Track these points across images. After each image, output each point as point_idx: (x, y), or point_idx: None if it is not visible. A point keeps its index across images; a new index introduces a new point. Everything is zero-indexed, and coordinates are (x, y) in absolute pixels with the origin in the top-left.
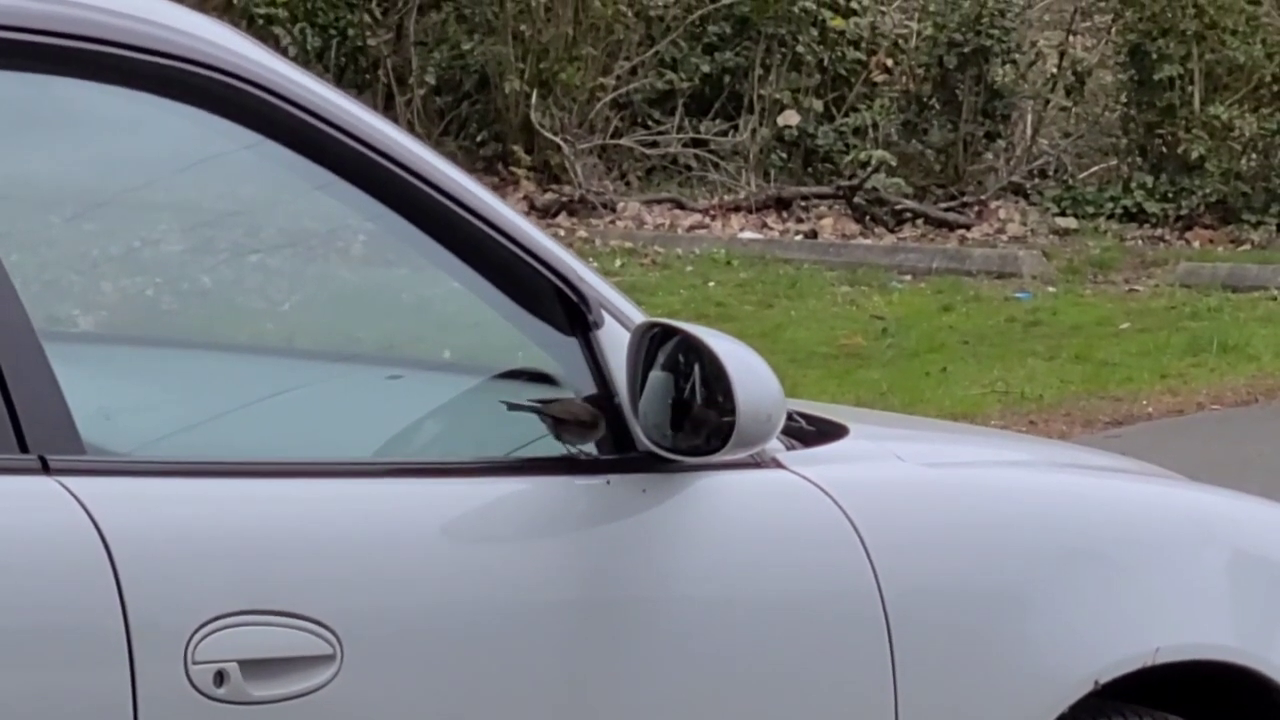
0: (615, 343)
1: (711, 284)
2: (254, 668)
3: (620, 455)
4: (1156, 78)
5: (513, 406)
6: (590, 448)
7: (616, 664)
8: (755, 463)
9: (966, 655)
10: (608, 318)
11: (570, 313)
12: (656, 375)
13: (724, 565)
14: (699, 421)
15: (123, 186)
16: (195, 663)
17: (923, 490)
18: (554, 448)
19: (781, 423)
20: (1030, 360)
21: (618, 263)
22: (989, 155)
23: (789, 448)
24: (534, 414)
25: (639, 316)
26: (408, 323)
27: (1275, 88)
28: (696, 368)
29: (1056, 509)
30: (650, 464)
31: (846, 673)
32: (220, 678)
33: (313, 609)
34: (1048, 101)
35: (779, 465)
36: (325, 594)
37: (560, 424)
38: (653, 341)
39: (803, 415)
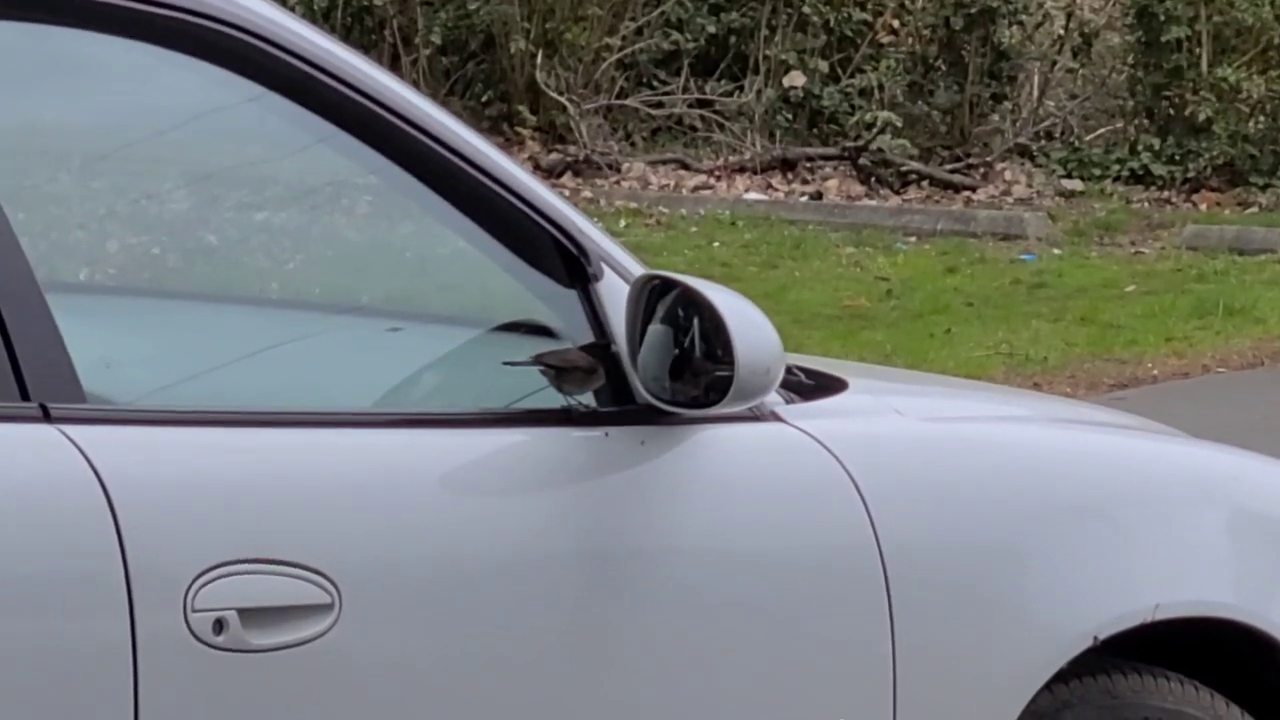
0: (615, 295)
1: (716, 245)
2: (253, 616)
3: (619, 407)
4: (1164, 39)
5: (511, 364)
6: (589, 398)
7: (614, 615)
8: (754, 416)
9: (964, 609)
10: (607, 270)
11: (570, 265)
12: (656, 328)
13: (722, 518)
14: (698, 374)
15: (127, 140)
16: (194, 610)
17: (921, 444)
18: (553, 399)
19: (780, 376)
20: (1035, 322)
21: (622, 223)
22: (995, 117)
23: (788, 401)
24: (534, 368)
25: (638, 269)
26: (409, 276)
27: None
28: (695, 321)
29: (1056, 464)
30: (649, 416)
31: (844, 625)
32: (219, 625)
33: (311, 558)
34: (1054, 63)
35: (777, 418)
36: (324, 543)
37: (561, 374)
38: (652, 294)
39: (801, 369)
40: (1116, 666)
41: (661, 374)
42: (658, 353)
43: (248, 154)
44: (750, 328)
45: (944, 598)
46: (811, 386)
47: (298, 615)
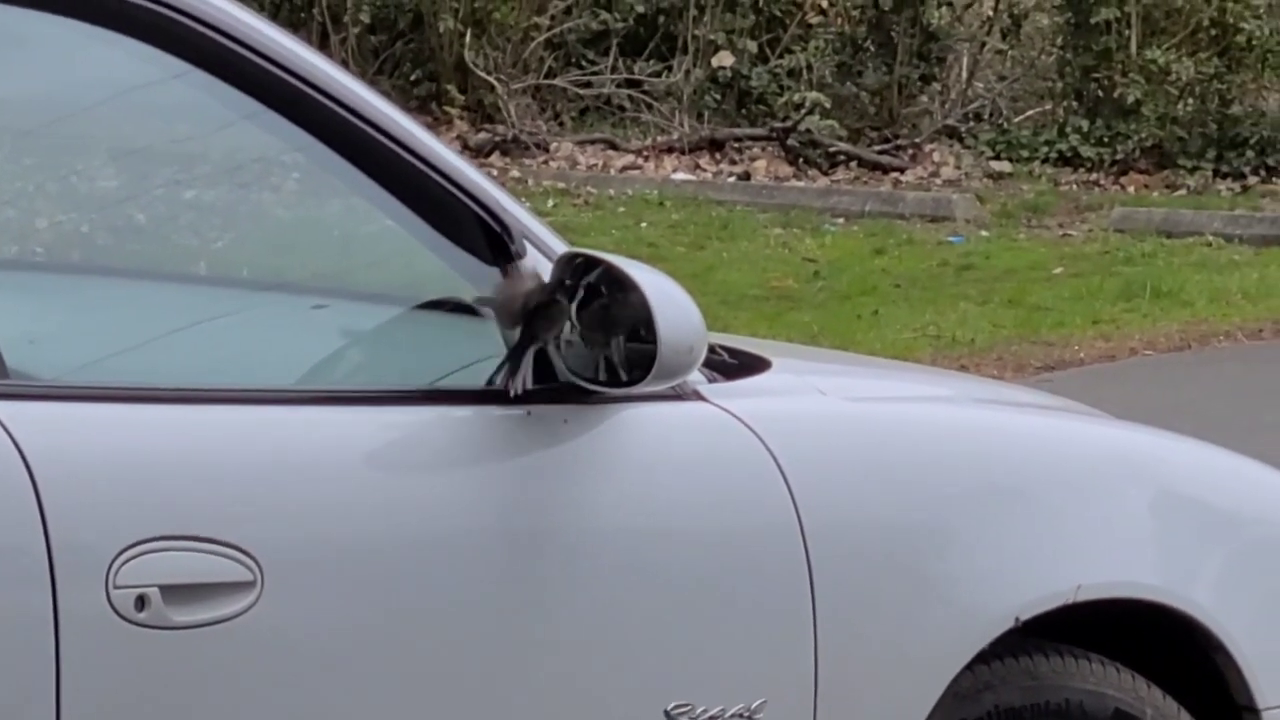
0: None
1: (644, 225)
2: (175, 593)
3: (541, 386)
4: (1093, 21)
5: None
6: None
7: (537, 593)
8: (677, 395)
9: (886, 589)
10: (530, 248)
11: (493, 243)
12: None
13: (644, 496)
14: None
15: (54, 116)
16: (117, 587)
17: (844, 424)
18: (476, 378)
19: (703, 355)
20: (962, 304)
21: (550, 203)
22: (924, 98)
23: (710, 380)
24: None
25: (561, 247)
26: (335, 254)
27: (1213, 32)
28: (619, 298)
29: (979, 444)
30: (571, 395)
31: (766, 604)
32: (141, 602)
33: (234, 535)
34: (983, 44)
35: (700, 398)
36: (246, 520)
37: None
38: (575, 272)
39: (725, 349)
40: (1038, 647)
41: (584, 352)
42: (580, 331)
43: (176, 131)
44: (673, 306)
45: (866, 577)
46: (735, 366)
47: (220, 592)
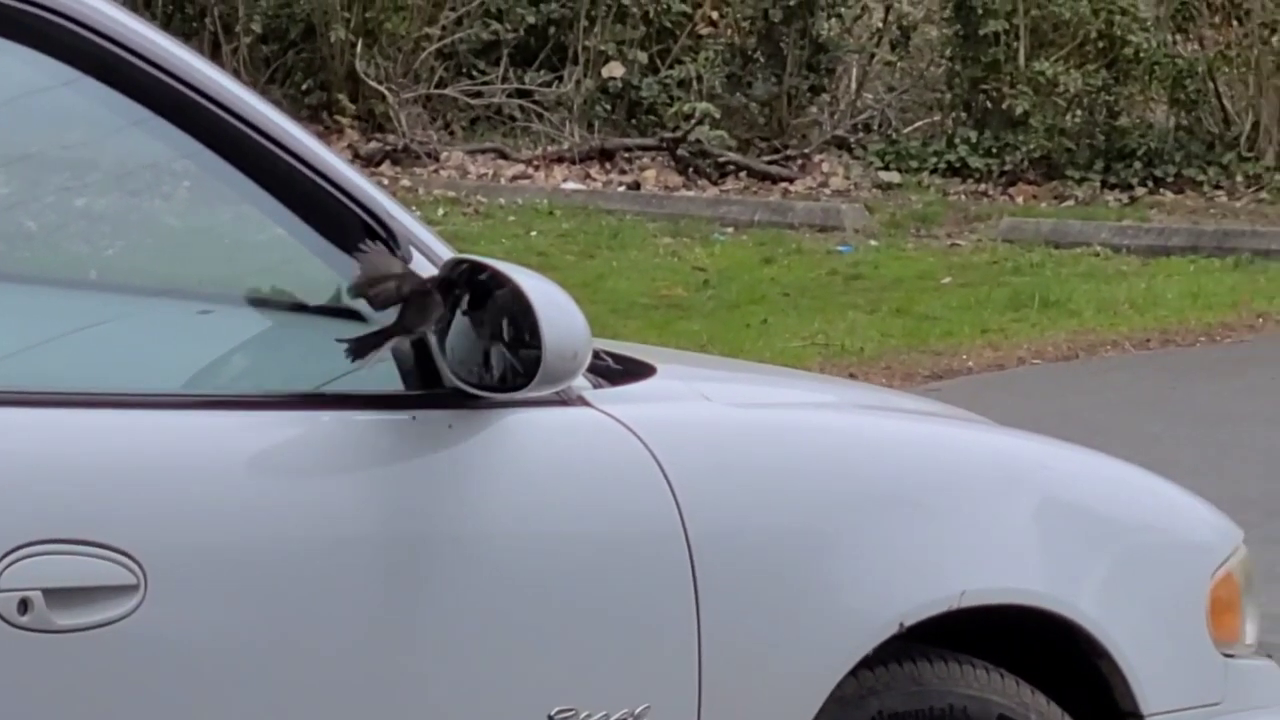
0: None
1: (534, 234)
2: (58, 596)
3: (427, 391)
4: (982, 33)
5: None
6: (391, 379)
7: (421, 598)
8: (561, 400)
9: (770, 595)
10: (415, 253)
11: None
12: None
13: (529, 502)
14: (505, 358)
15: None
16: None
17: (729, 430)
18: (361, 383)
19: (588, 360)
20: (851, 313)
21: (440, 212)
22: (813, 109)
23: (595, 386)
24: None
25: (447, 252)
26: (223, 260)
27: (1101, 44)
28: (503, 304)
29: (864, 451)
30: (456, 400)
31: (650, 609)
32: (24, 606)
33: (116, 539)
34: (873, 55)
35: (585, 403)
36: (129, 524)
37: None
38: (461, 276)
39: (610, 354)
40: (922, 653)
41: (469, 357)
42: (466, 336)
43: (65, 139)
44: (558, 312)
45: (750, 582)
46: (620, 371)
47: (103, 596)
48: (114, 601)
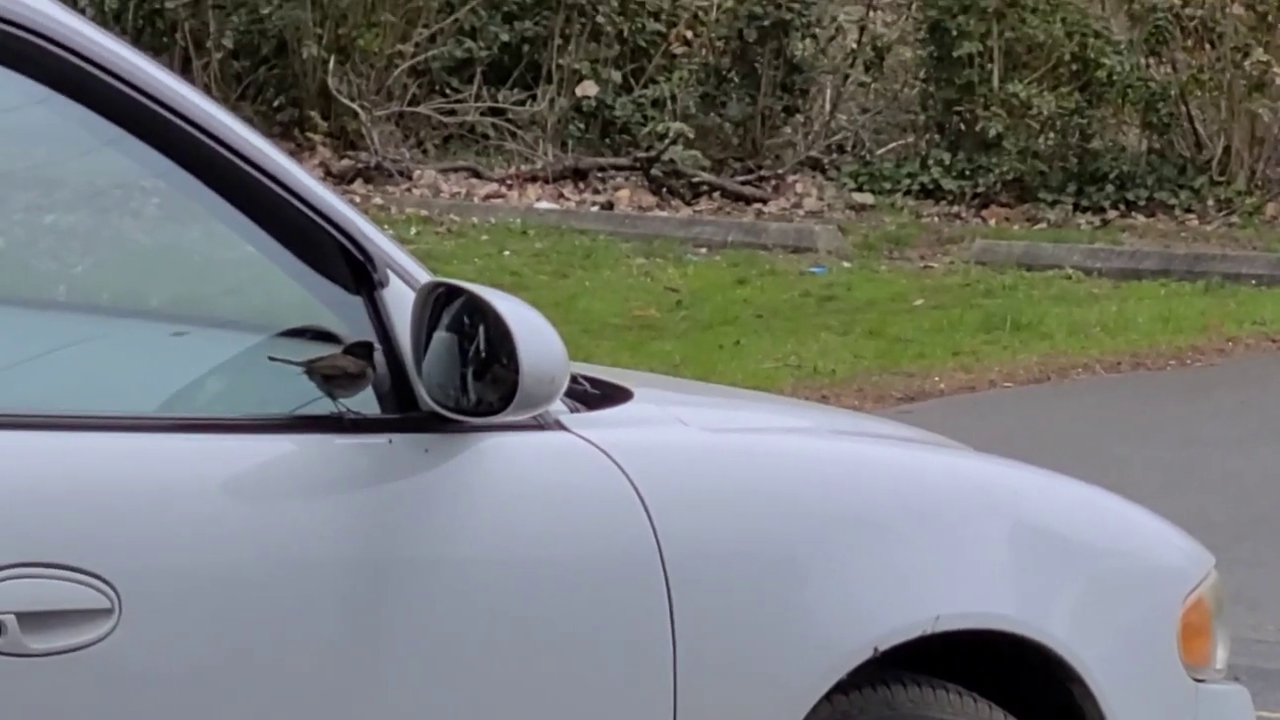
0: (400, 302)
1: (507, 253)
2: (31, 620)
3: (403, 415)
4: (956, 55)
5: (275, 360)
6: (368, 403)
7: (396, 622)
8: (539, 424)
9: (746, 619)
10: (393, 276)
11: (355, 271)
12: (441, 335)
13: (505, 526)
14: (482, 382)
15: None
16: None
17: (705, 455)
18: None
19: (565, 385)
20: (824, 335)
21: (413, 230)
22: (787, 129)
23: (572, 410)
24: (300, 370)
25: (425, 276)
26: (196, 280)
27: (1074, 67)
28: (481, 328)
29: (839, 476)
30: (433, 424)
31: (626, 633)
32: None
33: (90, 562)
34: (847, 77)
35: (562, 427)
36: (103, 548)
37: (329, 380)
38: (438, 301)
39: (587, 378)
40: (896, 678)
41: (446, 381)
42: (443, 360)
43: (35, 156)
44: (535, 336)
45: (725, 607)
46: (597, 396)
47: (77, 619)
48: (88, 625)
